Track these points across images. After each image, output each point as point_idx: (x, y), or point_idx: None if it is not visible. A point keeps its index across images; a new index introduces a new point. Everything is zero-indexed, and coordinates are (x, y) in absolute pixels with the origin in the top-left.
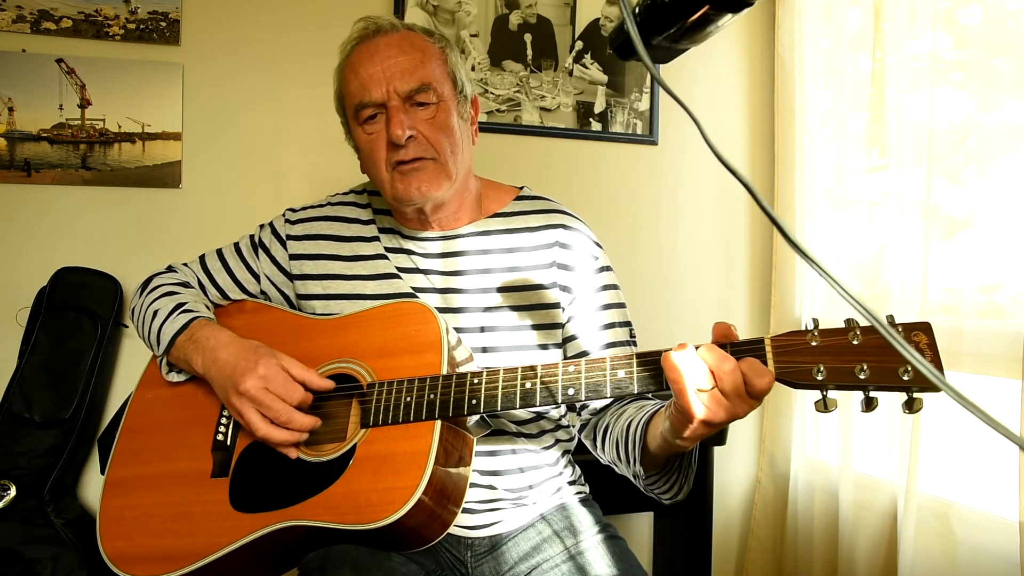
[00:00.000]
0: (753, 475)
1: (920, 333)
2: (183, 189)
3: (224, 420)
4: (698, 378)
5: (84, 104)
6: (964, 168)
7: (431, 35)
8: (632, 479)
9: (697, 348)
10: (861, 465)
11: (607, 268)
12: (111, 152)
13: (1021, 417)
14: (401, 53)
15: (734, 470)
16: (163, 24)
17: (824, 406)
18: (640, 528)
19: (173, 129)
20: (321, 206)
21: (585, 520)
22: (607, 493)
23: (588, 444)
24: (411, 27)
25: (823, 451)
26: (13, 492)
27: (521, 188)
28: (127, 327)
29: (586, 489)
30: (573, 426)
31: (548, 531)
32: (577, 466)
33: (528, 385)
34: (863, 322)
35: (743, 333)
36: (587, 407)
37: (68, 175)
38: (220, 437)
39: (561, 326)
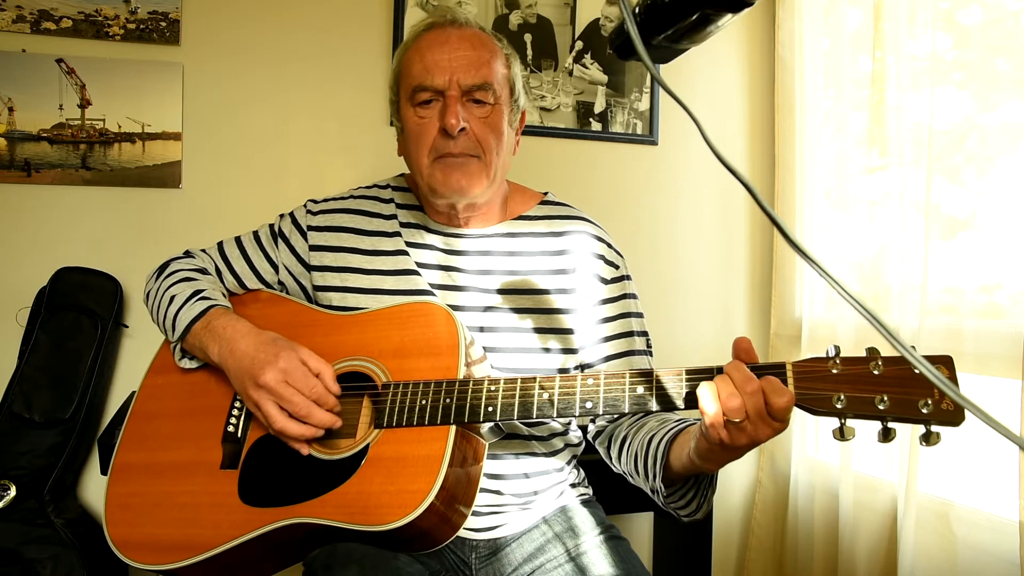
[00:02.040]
0: (753, 475)
1: (941, 366)
2: (183, 189)
3: (236, 411)
4: (732, 411)
5: (84, 104)
6: (964, 168)
7: (500, 41)
8: (650, 494)
9: (722, 369)
10: (861, 465)
11: (626, 277)
12: (111, 152)
13: (1021, 417)
14: (471, 48)
15: (734, 470)
16: (163, 24)
17: (841, 434)
18: (640, 528)
19: (173, 129)
20: (344, 198)
21: (587, 521)
22: (608, 493)
23: (602, 452)
24: (484, 28)
25: (823, 451)
26: (13, 492)
27: (545, 193)
28: (127, 327)
29: (589, 491)
30: (583, 430)
31: (551, 532)
32: (581, 468)
33: (545, 396)
34: (884, 351)
35: (743, 334)
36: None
37: (68, 175)
38: (231, 428)
39: (574, 332)
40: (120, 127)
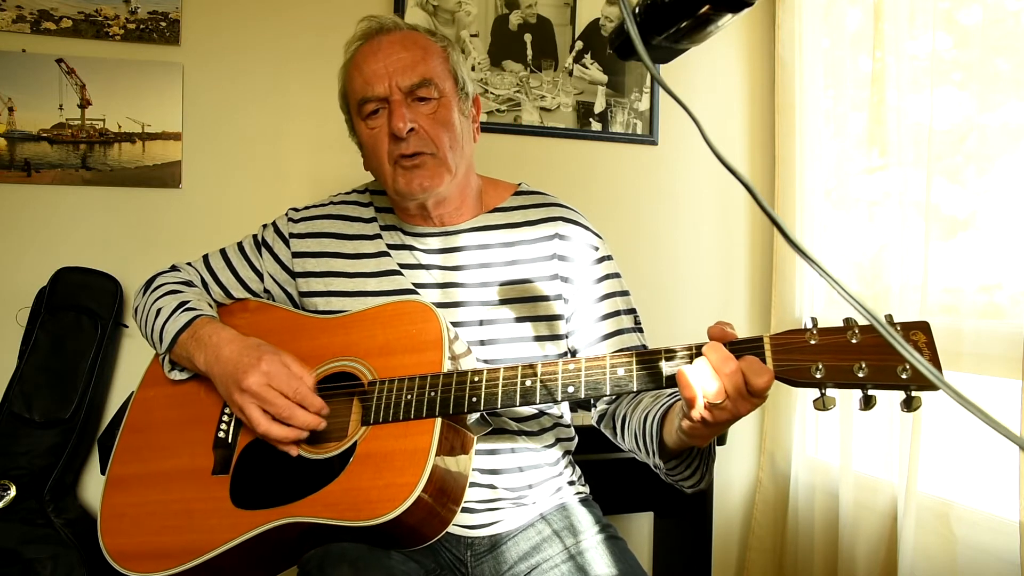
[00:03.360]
0: (753, 475)
1: (919, 332)
2: (183, 189)
3: (225, 417)
4: (712, 394)
5: (84, 104)
6: (964, 168)
7: (433, 34)
8: (653, 468)
9: (701, 347)
10: (861, 465)
11: (608, 257)
12: (111, 152)
13: (1021, 417)
14: (404, 50)
15: (734, 470)
16: (163, 24)
17: (823, 404)
18: (640, 528)
19: (173, 129)
20: (324, 205)
21: (585, 520)
22: (607, 493)
23: (608, 433)
24: (414, 27)
25: (823, 451)
26: (13, 492)
27: (519, 184)
28: (127, 327)
29: (586, 489)
30: (579, 429)
31: (548, 531)
32: (577, 466)
33: (528, 383)
34: (862, 321)
35: (743, 333)
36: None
37: (68, 175)
38: (221, 434)
39: (562, 318)
40: (120, 127)
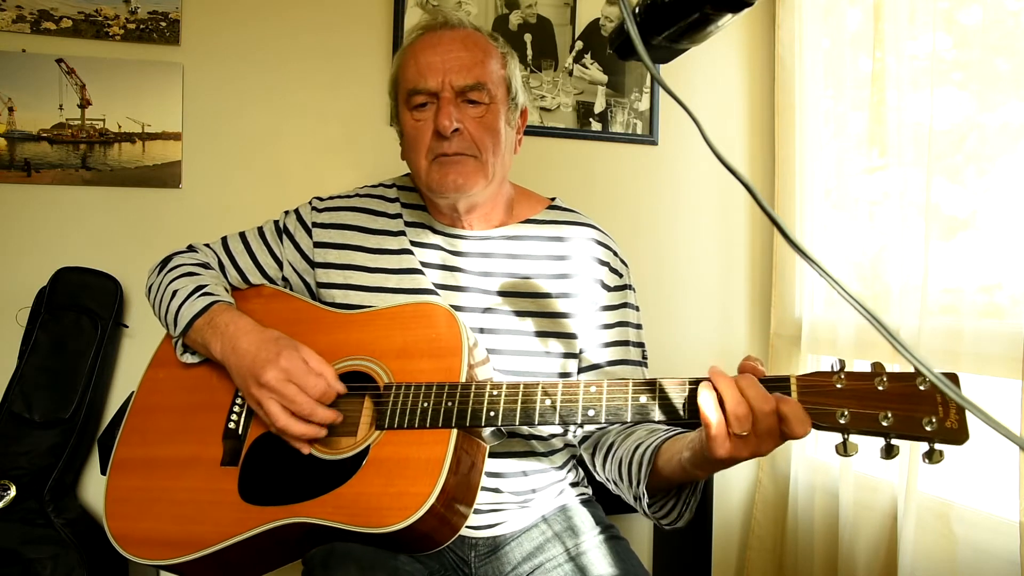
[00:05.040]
0: (753, 475)
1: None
2: (183, 189)
3: (237, 407)
4: (738, 424)
5: (84, 104)
6: (964, 168)
7: (496, 40)
8: (632, 501)
9: (736, 379)
10: (861, 465)
11: (628, 287)
12: (111, 152)
13: (1021, 417)
14: (464, 49)
15: (734, 470)
16: (163, 24)
17: (844, 450)
18: (640, 528)
19: (173, 129)
20: (349, 196)
21: (587, 521)
22: (609, 493)
23: (586, 457)
24: (478, 28)
25: (823, 451)
26: (13, 492)
27: (553, 199)
28: (127, 327)
29: (588, 490)
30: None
31: (550, 531)
32: (580, 468)
33: (548, 402)
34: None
35: (743, 334)
36: None
37: (68, 175)
38: (232, 425)
39: (577, 336)
40: (120, 127)
